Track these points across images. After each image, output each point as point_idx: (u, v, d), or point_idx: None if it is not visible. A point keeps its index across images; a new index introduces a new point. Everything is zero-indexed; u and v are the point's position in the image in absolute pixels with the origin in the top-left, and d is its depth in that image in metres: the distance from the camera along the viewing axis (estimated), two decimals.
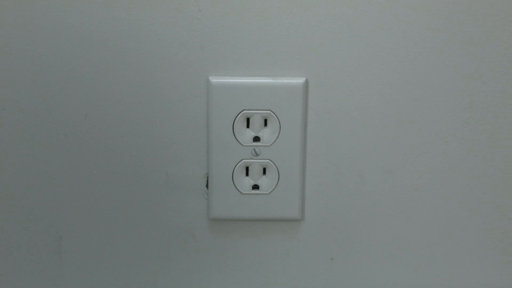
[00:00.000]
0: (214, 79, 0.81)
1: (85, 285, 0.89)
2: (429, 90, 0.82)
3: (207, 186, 0.85)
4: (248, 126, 0.83)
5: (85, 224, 0.86)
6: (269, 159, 0.84)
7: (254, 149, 0.83)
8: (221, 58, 0.81)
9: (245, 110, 0.82)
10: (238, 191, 0.85)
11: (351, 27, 0.80)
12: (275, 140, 0.83)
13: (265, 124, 0.83)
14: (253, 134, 0.83)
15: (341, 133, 0.84)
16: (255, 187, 0.85)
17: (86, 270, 0.88)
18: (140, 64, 0.81)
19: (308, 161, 0.85)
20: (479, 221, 0.87)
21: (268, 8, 0.80)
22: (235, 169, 0.84)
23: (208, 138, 0.83)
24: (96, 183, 0.85)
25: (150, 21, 0.80)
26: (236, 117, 0.82)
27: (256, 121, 0.82)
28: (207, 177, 0.85)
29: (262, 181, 0.84)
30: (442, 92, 0.82)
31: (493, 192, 0.86)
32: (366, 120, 0.83)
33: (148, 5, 0.79)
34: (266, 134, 0.83)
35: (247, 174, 0.84)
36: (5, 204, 0.86)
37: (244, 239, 0.87)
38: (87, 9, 0.79)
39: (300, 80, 0.82)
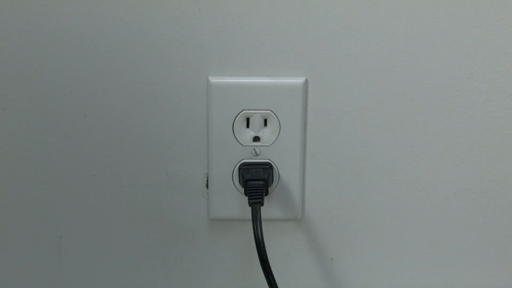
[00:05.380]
0: (214, 79, 0.82)
1: (85, 285, 0.89)
2: (429, 90, 0.82)
3: (207, 186, 0.85)
4: (248, 126, 0.83)
5: (85, 224, 0.86)
6: (269, 159, 0.84)
7: (254, 149, 0.83)
8: (221, 58, 0.81)
9: (245, 110, 0.82)
10: (238, 190, 0.85)
11: (351, 27, 0.80)
12: (275, 140, 0.83)
13: (265, 124, 0.83)
14: (253, 134, 0.83)
15: (341, 133, 0.84)
16: None
17: (86, 270, 0.88)
18: (140, 64, 0.81)
19: (308, 161, 0.85)
20: (479, 221, 0.87)
21: (268, 8, 0.80)
22: (235, 169, 0.84)
23: (208, 138, 0.83)
24: (96, 183, 0.85)
25: (150, 21, 0.80)
26: (236, 117, 0.82)
27: (256, 121, 0.82)
28: (207, 177, 0.85)
29: None
30: (442, 92, 0.82)
31: (493, 192, 0.86)
32: (366, 120, 0.83)
33: (148, 5, 0.79)
34: (266, 134, 0.83)
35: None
36: (5, 204, 0.86)
37: (244, 239, 0.87)
38: (87, 9, 0.79)
39: (300, 80, 0.82)
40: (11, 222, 0.86)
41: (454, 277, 0.89)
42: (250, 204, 0.81)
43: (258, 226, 0.79)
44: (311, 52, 0.81)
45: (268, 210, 0.85)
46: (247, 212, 0.82)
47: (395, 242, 0.88)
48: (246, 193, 0.82)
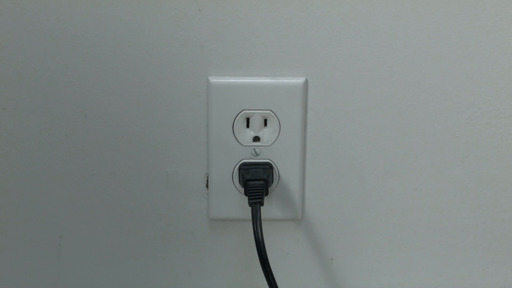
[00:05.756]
0: (214, 79, 0.82)
1: (85, 285, 0.89)
2: (429, 90, 0.82)
3: (207, 186, 0.85)
4: (248, 126, 0.83)
5: (85, 224, 0.86)
6: (269, 159, 0.84)
7: (254, 149, 0.83)
8: (221, 58, 0.81)
9: (245, 110, 0.82)
10: (238, 190, 0.85)
11: (351, 27, 0.80)
12: (275, 140, 0.83)
13: (265, 124, 0.83)
14: (253, 134, 0.83)
15: (341, 133, 0.84)
16: None
17: (86, 270, 0.88)
18: (140, 64, 0.81)
19: (308, 161, 0.85)
20: (479, 221, 0.87)
21: (268, 8, 0.80)
22: (235, 169, 0.84)
23: (208, 138, 0.83)
24: (96, 183, 0.85)
25: (150, 21, 0.80)
26: (236, 117, 0.82)
27: (256, 121, 0.82)
28: (207, 177, 0.85)
29: None
30: (442, 92, 0.82)
31: (493, 192, 0.86)
32: (366, 120, 0.83)
33: (148, 5, 0.79)
34: (266, 134, 0.83)
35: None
36: (5, 204, 0.86)
37: (244, 239, 0.87)
38: (87, 9, 0.79)
39: (300, 80, 0.82)
40: (11, 222, 0.86)
41: (454, 277, 0.89)
42: (250, 204, 0.81)
43: (258, 226, 0.79)
44: (311, 52, 0.81)
45: (268, 210, 0.85)
46: (247, 212, 0.82)
47: (395, 242, 0.88)
48: (246, 193, 0.82)
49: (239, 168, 0.84)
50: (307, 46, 0.81)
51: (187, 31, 0.80)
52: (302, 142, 0.83)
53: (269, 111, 0.82)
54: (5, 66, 0.81)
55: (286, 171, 0.84)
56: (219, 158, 0.83)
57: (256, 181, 0.82)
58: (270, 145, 0.83)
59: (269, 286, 0.79)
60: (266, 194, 0.83)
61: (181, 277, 0.89)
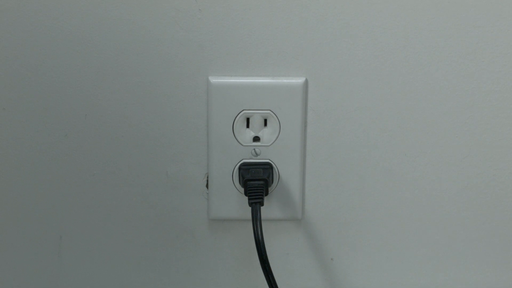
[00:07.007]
0: (214, 79, 0.82)
1: (85, 285, 0.89)
2: (429, 90, 0.82)
3: (207, 186, 0.85)
4: (248, 126, 0.83)
5: (85, 224, 0.86)
6: (269, 159, 0.84)
7: (254, 149, 0.83)
8: (221, 58, 0.81)
9: (245, 110, 0.82)
10: (238, 190, 0.85)
11: (350, 27, 0.80)
12: (275, 140, 0.83)
13: (265, 124, 0.83)
14: (253, 134, 0.83)
15: (341, 133, 0.84)
16: None
17: (86, 270, 0.88)
18: (140, 64, 0.81)
19: (308, 161, 0.85)
20: (479, 221, 0.87)
21: (268, 8, 0.80)
22: (235, 169, 0.84)
23: (208, 138, 0.83)
24: (96, 183, 0.85)
25: (150, 21, 0.80)
26: (236, 117, 0.82)
27: (256, 121, 0.82)
28: (207, 177, 0.85)
29: None
30: (442, 92, 0.82)
31: (493, 192, 0.86)
32: (366, 120, 0.83)
33: (148, 5, 0.79)
34: (266, 134, 0.83)
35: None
36: (5, 204, 0.86)
37: (244, 239, 0.87)
38: (87, 9, 0.79)
39: (300, 80, 0.82)
40: (11, 222, 0.86)
41: (454, 277, 0.89)
42: (250, 204, 0.81)
43: (258, 226, 0.79)
44: (311, 52, 0.81)
45: (268, 210, 0.85)
46: (247, 212, 0.82)
47: (395, 242, 0.88)
48: (246, 193, 0.82)
49: (239, 168, 0.84)
50: (307, 46, 0.81)
51: (187, 31, 0.80)
52: (302, 142, 0.84)
53: (269, 111, 0.82)
54: (5, 66, 0.81)
55: (286, 171, 0.84)
56: (219, 158, 0.83)
57: (256, 181, 0.82)
58: (270, 145, 0.83)
59: (269, 286, 0.79)
60: (266, 194, 0.83)
61: (181, 277, 0.89)
